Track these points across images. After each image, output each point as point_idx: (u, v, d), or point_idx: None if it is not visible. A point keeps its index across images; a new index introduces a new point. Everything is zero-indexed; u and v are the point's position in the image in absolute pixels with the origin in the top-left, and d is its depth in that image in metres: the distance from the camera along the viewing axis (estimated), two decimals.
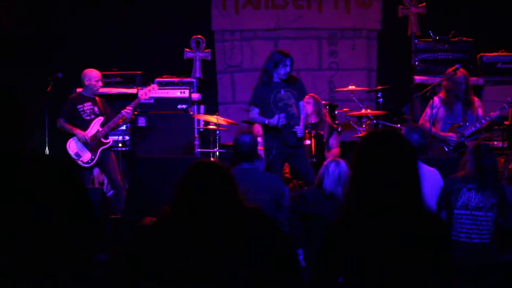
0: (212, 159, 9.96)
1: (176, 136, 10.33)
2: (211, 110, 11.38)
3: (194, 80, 11.11)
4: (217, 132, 10.01)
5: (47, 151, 9.24)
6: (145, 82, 10.91)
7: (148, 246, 3.46)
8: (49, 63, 11.18)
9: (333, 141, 9.81)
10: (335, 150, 9.65)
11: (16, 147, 3.23)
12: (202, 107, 11.21)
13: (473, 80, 9.83)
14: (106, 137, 9.09)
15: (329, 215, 6.23)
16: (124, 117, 9.07)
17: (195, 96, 10.86)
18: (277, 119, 7.93)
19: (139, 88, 10.44)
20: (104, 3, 11.96)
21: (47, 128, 9.24)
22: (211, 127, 10.23)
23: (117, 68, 10.89)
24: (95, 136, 8.96)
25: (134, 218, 7.48)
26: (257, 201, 5.66)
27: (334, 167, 6.50)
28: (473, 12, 11.55)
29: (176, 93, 10.37)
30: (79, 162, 8.92)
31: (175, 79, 10.91)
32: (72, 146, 8.95)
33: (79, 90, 10.01)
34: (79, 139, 8.93)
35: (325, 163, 6.67)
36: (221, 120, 9.99)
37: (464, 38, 10.74)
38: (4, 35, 10.94)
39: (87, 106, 9.07)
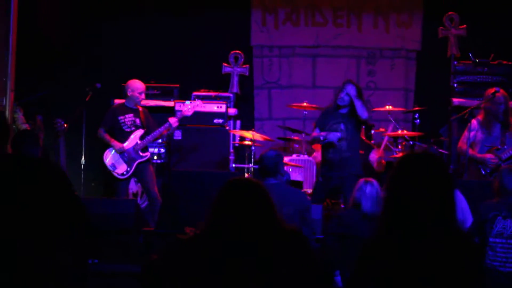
0: (246, 174, 9.98)
1: (211, 150, 10.34)
2: (247, 125, 11.38)
3: (231, 95, 11.15)
4: (252, 147, 10.01)
5: (83, 160, 9.31)
6: (182, 95, 10.99)
7: (183, 261, 3.45)
8: (88, 73, 11.27)
9: (374, 155, 9.84)
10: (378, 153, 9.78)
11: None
12: (238, 122, 11.22)
13: None
14: (145, 150, 9.08)
15: (367, 236, 6.21)
16: (170, 127, 9.00)
17: (232, 111, 10.89)
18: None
19: (176, 101, 10.50)
20: (145, 15, 12.05)
21: (83, 137, 9.32)
22: (246, 142, 10.24)
23: (155, 81, 10.95)
24: (133, 149, 8.99)
25: (167, 231, 7.51)
26: (283, 215, 5.68)
27: (371, 188, 6.50)
28: None
29: (213, 107, 10.39)
30: (114, 173, 8.95)
31: (212, 94, 10.94)
32: (109, 157, 8.98)
33: (117, 101, 10.09)
34: (116, 151, 8.97)
35: (358, 184, 6.65)
36: (257, 136, 10.00)
37: (504, 61, 10.63)
38: (46, 42, 11.05)
39: (129, 117, 9.07)
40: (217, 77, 11.58)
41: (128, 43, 11.96)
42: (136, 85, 9.13)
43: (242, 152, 10.78)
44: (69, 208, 3.31)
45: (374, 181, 6.63)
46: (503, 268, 5.95)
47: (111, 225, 7.39)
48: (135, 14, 12.02)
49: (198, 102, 9.33)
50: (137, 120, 9.08)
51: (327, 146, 8.43)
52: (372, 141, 10.23)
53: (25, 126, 8.67)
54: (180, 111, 9.24)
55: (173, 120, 8.99)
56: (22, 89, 9.12)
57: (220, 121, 10.45)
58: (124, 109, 9.13)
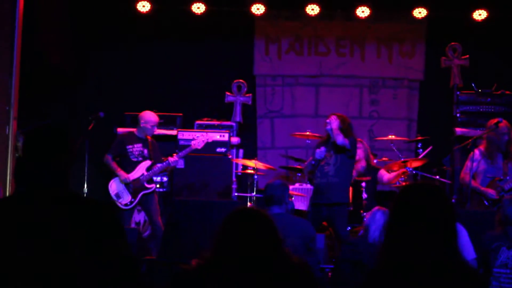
0: (249, 203, 9.96)
1: (214, 179, 10.31)
2: (250, 154, 11.37)
3: (234, 124, 11.15)
4: (255, 176, 10.00)
5: (85, 189, 9.27)
6: (185, 124, 11.00)
7: None
8: (91, 102, 11.30)
9: (385, 174, 9.83)
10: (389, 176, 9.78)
11: (60, 185, 3.22)
12: (241, 151, 11.21)
13: None
14: (150, 181, 9.05)
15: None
16: (169, 167, 9.06)
17: (234, 140, 10.89)
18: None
19: (179, 129, 10.50)
20: (148, 45, 12.08)
21: (86, 165, 9.28)
22: (249, 171, 10.23)
23: (158, 109, 10.93)
24: (138, 180, 8.93)
25: (168, 260, 7.48)
26: (288, 245, 5.66)
27: (381, 215, 6.49)
28: None
29: (216, 136, 10.36)
30: (118, 203, 8.90)
31: (215, 122, 10.96)
32: (113, 187, 8.94)
33: (120, 129, 10.10)
34: (121, 181, 8.94)
35: (372, 210, 6.67)
36: (260, 165, 9.99)
37: (507, 92, 10.66)
38: (49, 71, 11.07)
39: (137, 147, 9.03)
40: (220, 106, 11.61)
41: (131, 72, 11.99)
42: (150, 118, 9.11)
43: (245, 181, 10.76)
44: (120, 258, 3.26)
45: (387, 210, 6.61)
46: None
47: None
48: (138, 44, 12.06)
49: (207, 135, 9.29)
50: (145, 151, 9.05)
51: (315, 171, 8.47)
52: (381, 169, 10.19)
53: None
54: (190, 144, 9.20)
55: (173, 161, 8.99)
56: (25, 117, 9.12)
57: (223, 150, 10.45)
58: (133, 139, 9.10)
